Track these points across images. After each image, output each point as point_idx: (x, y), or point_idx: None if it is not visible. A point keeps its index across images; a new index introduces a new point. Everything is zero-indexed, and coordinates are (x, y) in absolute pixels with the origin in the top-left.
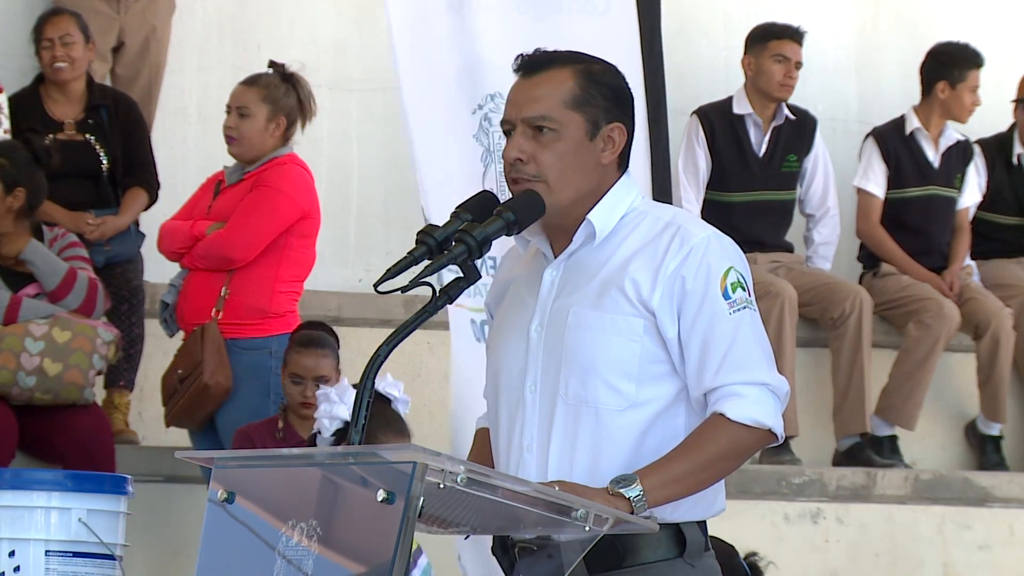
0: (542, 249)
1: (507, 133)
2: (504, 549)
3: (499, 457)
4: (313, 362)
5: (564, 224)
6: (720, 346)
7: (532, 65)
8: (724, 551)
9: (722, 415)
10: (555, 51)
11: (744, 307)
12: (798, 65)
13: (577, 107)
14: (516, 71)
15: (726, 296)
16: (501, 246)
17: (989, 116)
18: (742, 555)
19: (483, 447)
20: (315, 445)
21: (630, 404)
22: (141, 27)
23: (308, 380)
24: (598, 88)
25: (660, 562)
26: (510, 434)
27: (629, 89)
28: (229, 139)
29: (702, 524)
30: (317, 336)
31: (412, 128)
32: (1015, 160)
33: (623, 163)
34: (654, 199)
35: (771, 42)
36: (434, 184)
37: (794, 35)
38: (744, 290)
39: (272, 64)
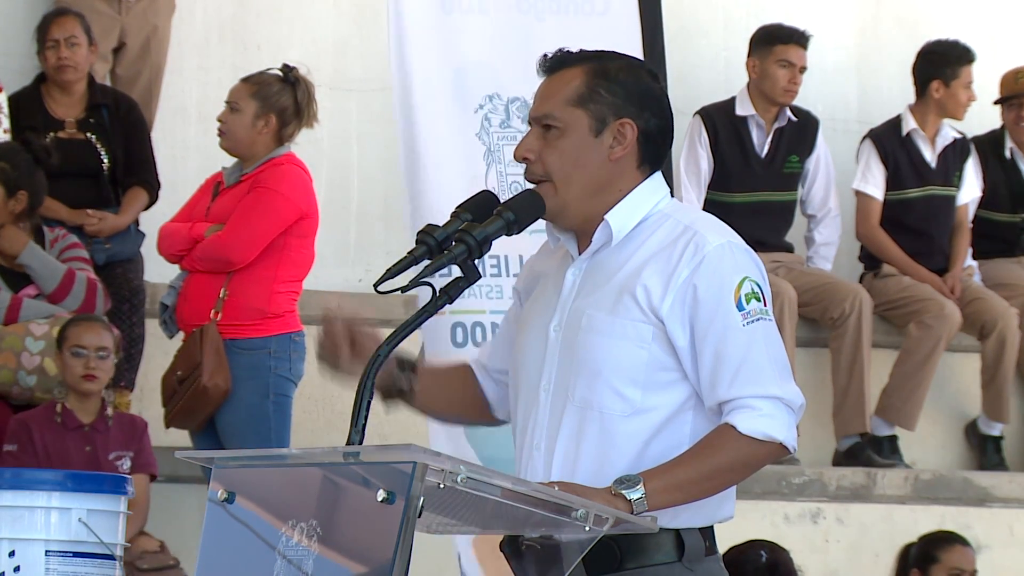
0: (568, 248)
1: None
2: (513, 547)
3: (515, 453)
4: (95, 334)
5: (582, 224)
6: (733, 359)
7: (548, 66)
8: (751, 550)
9: (732, 427)
10: (575, 51)
11: (758, 318)
12: (802, 70)
13: (581, 104)
14: (537, 72)
15: (740, 307)
16: (505, 245)
17: (989, 115)
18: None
19: (452, 367)
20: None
21: (635, 411)
22: (142, 27)
23: (90, 351)
24: (607, 84)
25: (659, 565)
26: (523, 432)
27: (652, 87)
28: (219, 132)
29: (705, 529)
30: (96, 315)
31: (407, 128)
32: (1008, 155)
33: (646, 162)
34: None
35: (776, 46)
36: (435, 184)
37: (800, 39)
38: (759, 300)
39: (283, 67)
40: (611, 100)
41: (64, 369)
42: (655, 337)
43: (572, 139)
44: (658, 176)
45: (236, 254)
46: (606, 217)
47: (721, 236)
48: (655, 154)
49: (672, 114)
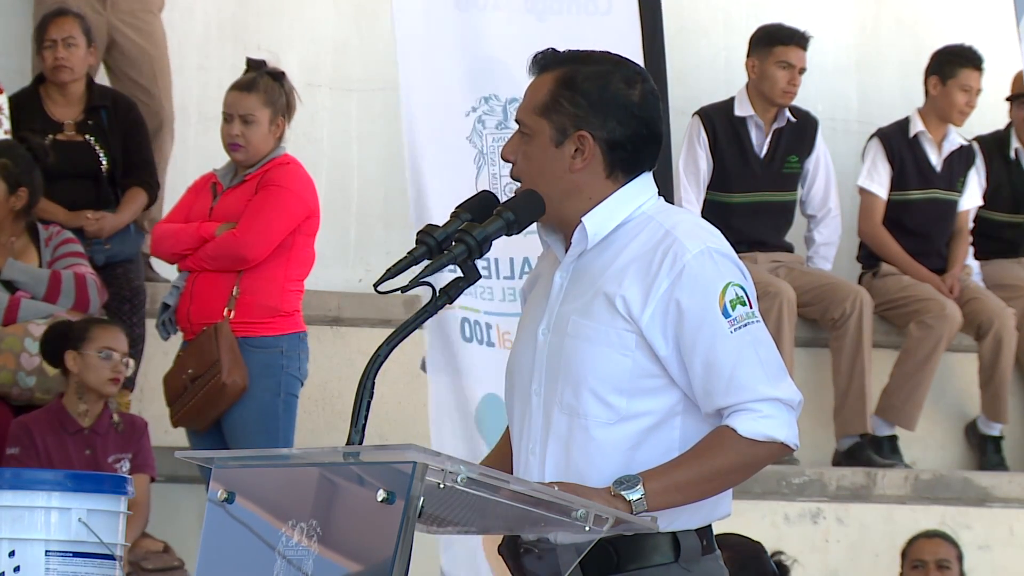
0: (555, 250)
1: None
2: (512, 550)
3: (513, 455)
4: (123, 339)
5: (559, 226)
6: (724, 367)
7: (534, 67)
8: (751, 549)
9: (733, 430)
10: (559, 53)
11: (746, 323)
12: (802, 71)
13: (544, 114)
14: (528, 72)
15: (726, 315)
16: (505, 245)
17: (990, 116)
18: (769, 553)
19: (506, 443)
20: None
21: (621, 418)
22: (131, 22)
23: (117, 354)
24: (569, 95)
25: (656, 567)
26: (519, 435)
27: (622, 94)
28: (235, 146)
29: (702, 528)
30: (115, 319)
31: (409, 129)
32: (1012, 155)
33: (617, 170)
34: None
35: (776, 47)
36: (429, 185)
37: (800, 41)
38: (745, 304)
39: (252, 62)
40: (571, 111)
41: (86, 369)
42: (638, 345)
43: (536, 147)
44: (643, 179)
45: (251, 251)
46: (583, 220)
47: (700, 242)
48: (628, 162)
49: (655, 119)
